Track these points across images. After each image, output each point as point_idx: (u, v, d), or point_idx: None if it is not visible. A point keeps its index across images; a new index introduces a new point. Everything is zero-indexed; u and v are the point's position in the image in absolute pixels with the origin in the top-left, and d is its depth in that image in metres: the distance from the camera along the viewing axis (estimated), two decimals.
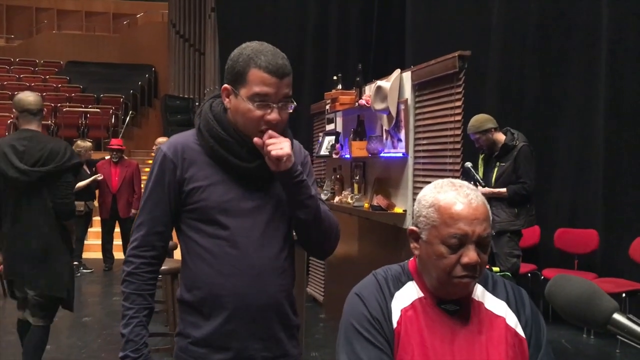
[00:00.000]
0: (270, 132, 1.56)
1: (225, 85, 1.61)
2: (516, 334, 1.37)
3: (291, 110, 1.63)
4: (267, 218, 1.64)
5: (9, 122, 11.88)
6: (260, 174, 1.62)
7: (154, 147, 7.27)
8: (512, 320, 1.38)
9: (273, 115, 1.57)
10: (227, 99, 1.62)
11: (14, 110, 3.41)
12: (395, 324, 1.36)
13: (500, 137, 4.62)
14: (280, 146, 1.55)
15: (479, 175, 4.59)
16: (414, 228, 1.41)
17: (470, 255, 1.31)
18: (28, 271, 3.33)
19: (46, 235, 3.34)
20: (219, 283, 1.60)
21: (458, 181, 1.41)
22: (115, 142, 7.76)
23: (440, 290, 1.37)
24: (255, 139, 1.56)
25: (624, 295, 4.61)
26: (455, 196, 1.35)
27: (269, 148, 1.54)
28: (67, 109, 13.71)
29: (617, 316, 1.04)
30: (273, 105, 1.57)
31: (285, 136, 1.63)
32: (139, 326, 1.62)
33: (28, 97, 3.40)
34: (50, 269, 3.36)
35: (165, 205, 1.63)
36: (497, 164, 4.61)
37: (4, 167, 3.25)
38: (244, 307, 1.60)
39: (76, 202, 3.78)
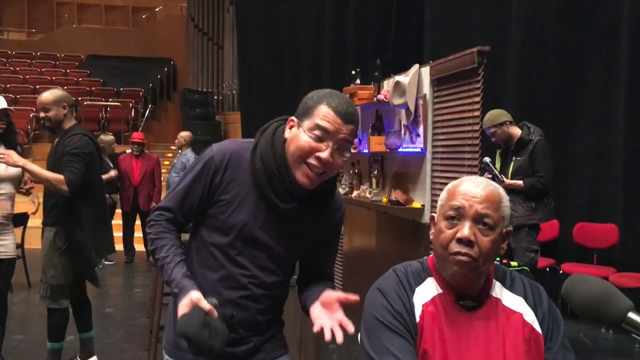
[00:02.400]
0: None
1: (292, 117, 1.62)
2: (533, 329, 1.40)
3: (347, 157, 1.61)
4: (278, 255, 1.67)
5: (31, 115, 12.05)
6: (289, 214, 1.63)
7: (177, 141, 7.36)
8: (530, 316, 1.41)
9: (325, 154, 1.54)
10: (289, 130, 1.61)
11: (64, 104, 3.42)
12: (418, 318, 1.39)
13: (516, 131, 4.61)
14: None
15: (497, 170, 4.59)
16: (433, 214, 1.48)
17: (463, 229, 1.36)
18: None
19: None
20: (205, 282, 1.64)
21: (483, 178, 1.46)
22: (137, 136, 7.86)
23: (445, 271, 1.40)
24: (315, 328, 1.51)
25: None
26: (467, 180, 1.43)
27: None
28: (88, 102, 13.89)
29: (631, 315, 1.08)
30: (329, 144, 1.54)
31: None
32: (177, 266, 1.61)
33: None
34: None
35: (195, 202, 1.67)
36: (514, 158, 4.60)
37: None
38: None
39: None
